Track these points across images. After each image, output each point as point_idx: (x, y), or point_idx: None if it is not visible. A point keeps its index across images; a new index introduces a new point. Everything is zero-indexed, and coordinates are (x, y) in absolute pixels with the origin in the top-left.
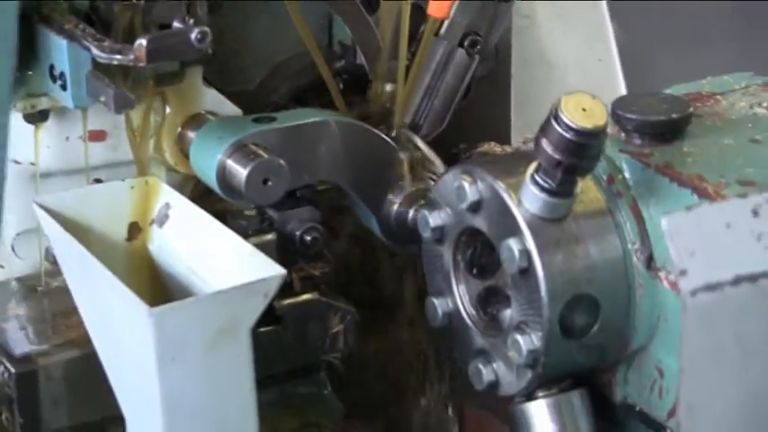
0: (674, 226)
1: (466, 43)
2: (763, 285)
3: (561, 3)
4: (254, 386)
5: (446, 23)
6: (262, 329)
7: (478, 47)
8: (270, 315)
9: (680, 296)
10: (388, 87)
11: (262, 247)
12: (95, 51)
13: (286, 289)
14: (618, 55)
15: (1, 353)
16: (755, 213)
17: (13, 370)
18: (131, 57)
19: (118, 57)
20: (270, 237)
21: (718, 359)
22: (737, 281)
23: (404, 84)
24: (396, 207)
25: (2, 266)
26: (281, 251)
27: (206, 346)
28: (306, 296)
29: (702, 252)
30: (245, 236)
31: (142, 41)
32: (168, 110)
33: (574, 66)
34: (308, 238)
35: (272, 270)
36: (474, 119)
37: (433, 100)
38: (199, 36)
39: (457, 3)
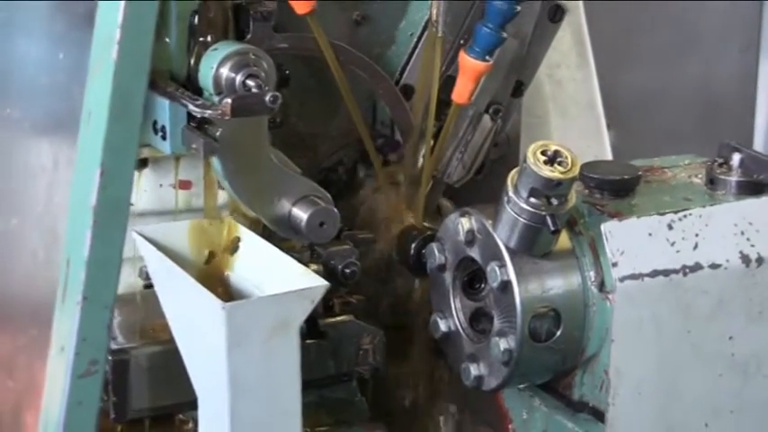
0: (609, 230)
1: (490, 110)
2: (672, 278)
3: (567, 106)
4: (300, 374)
5: (476, 93)
6: (308, 341)
7: (501, 114)
8: (315, 330)
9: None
10: (421, 152)
11: None
12: (192, 107)
13: (328, 311)
14: (611, 153)
15: None
16: (670, 227)
17: (110, 358)
18: (219, 111)
19: (209, 111)
20: (316, 267)
21: (638, 331)
22: (654, 274)
23: (431, 154)
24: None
25: None
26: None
27: (264, 337)
28: (344, 317)
29: (629, 251)
30: None
31: (228, 100)
32: None
33: None
34: (348, 271)
35: (318, 282)
36: (487, 197)
37: (463, 154)
38: (271, 98)
39: (483, 80)
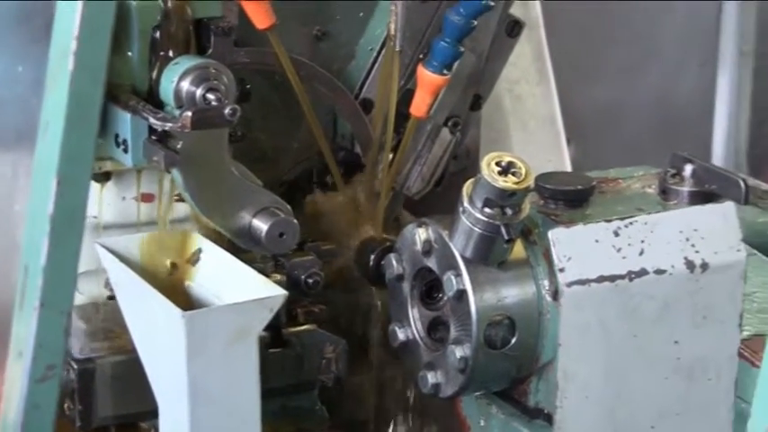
0: (556, 237)
1: (449, 124)
2: (618, 284)
3: (527, 121)
4: (259, 382)
5: (434, 107)
6: (272, 350)
7: (459, 127)
8: (279, 339)
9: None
10: (380, 166)
11: None
12: (152, 120)
13: (292, 320)
14: (571, 167)
15: (67, 356)
16: (616, 234)
17: (75, 367)
18: (179, 124)
19: (169, 124)
20: (280, 277)
21: (585, 335)
22: (601, 279)
23: (390, 167)
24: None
25: None
26: (289, 290)
27: (223, 345)
28: (307, 327)
29: (576, 257)
30: None
31: (188, 113)
32: None
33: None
34: (311, 281)
35: (277, 291)
36: (447, 210)
37: (422, 166)
38: (230, 111)
39: (441, 94)
